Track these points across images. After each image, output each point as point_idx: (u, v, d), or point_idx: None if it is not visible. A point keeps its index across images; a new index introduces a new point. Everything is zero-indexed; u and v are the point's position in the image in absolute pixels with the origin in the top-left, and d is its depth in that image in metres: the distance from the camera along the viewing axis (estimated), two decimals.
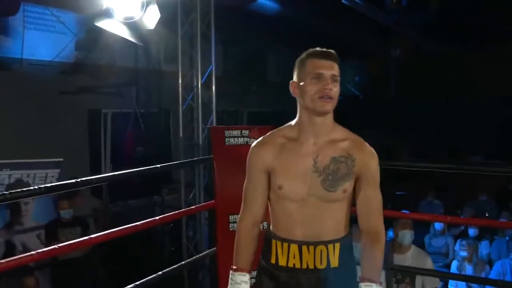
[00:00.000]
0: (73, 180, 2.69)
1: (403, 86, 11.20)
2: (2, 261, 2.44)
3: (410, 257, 3.95)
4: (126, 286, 3.05)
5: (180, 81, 5.72)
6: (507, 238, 6.46)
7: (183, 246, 5.82)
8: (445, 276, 5.39)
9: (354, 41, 9.11)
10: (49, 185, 2.65)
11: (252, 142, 2.29)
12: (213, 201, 3.99)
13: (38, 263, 4.80)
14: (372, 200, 2.17)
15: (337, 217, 2.15)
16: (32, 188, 2.53)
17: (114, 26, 4.55)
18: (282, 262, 2.15)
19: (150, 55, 7.51)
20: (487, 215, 7.62)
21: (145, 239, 5.76)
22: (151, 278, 3.29)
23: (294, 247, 2.13)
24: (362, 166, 2.12)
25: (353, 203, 2.19)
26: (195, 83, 5.71)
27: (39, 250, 2.59)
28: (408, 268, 3.81)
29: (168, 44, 6.57)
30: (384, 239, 2.20)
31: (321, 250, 2.11)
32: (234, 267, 2.23)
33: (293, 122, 2.20)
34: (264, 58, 10.01)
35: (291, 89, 2.16)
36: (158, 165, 3.47)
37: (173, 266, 3.63)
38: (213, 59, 5.75)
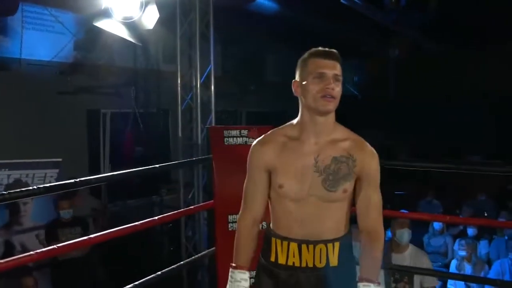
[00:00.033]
0: (72, 180, 2.69)
1: (402, 86, 11.21)
2: (1, 261, 2.44)
3: (408, 256, 3.95)
4: (125, 286, 3.05)
5: (179, 81, 5.72)
6: (506, 237, 6.45)
7: (182, 246, 5.82)
8: (444, 275, 5.39)
9: (353, 41, 9.12)
10: (48, 185, 2.65)
11: (251, 142, 2.30)
12: (212, 201, 3.99)
13: (37, 263, 4.80)
14: (372, 200, 2.18)
15: (337, 217, 2.16)
16: (31, 188, 2.53)
17: (113, 26, 4.54)
18: (281, 260, 2.16)
19: (149, 55, 7.50)
20: (486, 214, 7.62)
21: (144, 239, 5.75)
22: (150, 278, 3.29)
23: (293, 246, 2.14)
24: (363, 167, 2.13)
25: (353, 203, 2.20)
26: (194, 83, 5.71)
27: (38, 250, 2.59)
28: (407, 267, 3.81)
29: (167, 44, 6.56)
30: (383, 239, 2.22)
31: (320, 249, 2.12)
32: (234, 264, 2.24)
33: (294, 121, 2.20)
34: (263, 58, 10.01)
35: (293, 88, 2.17)
36: (157, 165, 3.47)
37: (172, 266, 3.63)
38: (212, 59, 5.75)
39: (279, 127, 2.25)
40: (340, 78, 2.08)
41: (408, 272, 3.78)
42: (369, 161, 2.15)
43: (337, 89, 2.07)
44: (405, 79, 11.14)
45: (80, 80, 6.59)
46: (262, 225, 2.31)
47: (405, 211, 4.64)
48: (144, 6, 4.51)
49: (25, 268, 4.46)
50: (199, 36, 5.63)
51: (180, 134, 5.77)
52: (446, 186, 8.48)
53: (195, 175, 5.74)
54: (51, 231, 5.06)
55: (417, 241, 6.04)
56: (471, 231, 6.53)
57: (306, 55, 2.14)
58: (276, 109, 8.86)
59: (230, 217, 3.86)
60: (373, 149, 2.18)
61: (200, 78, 5.70)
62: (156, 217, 3.54)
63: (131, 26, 4.58)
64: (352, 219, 2.22)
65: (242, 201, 2.28)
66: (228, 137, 3.93)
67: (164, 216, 3.90)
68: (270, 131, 2.26)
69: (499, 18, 8.57)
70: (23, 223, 5.16)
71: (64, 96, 6.38)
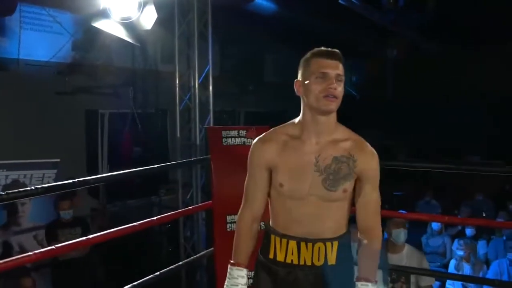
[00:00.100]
0: (70, 181, 2.68)
1: (401, 87, 11.21)
2: (0, 262, 2.44)
3: (405, 256, 3.95)
4: (124, 286, 3.05)
5: (177, 81, 5.71)
6: (504, 238, 6.46)
7: (181, 247, 5.82)
8: (442, 275, 5.40)
9: (351, 41, 9.12)
10: (46, 185, 2.65)
11: (250, 142, 2.31)
12: (211, 201, 3.99)
13: (37, 264, 4.80)
14: (371, 201, 2.19)
15: (337, 216, 2.17)
16: (29, 188, 2.53)
17: (111, 26, 4.54)
18: (280, 257, 2.18)
19: (147, 55, 7.50)
20: (484, 215, 7.63)
21: (142, 239, 5.75)
22: (149, 278, 3.29)
23: (292, 243, 2.15)
24: (363, 167, 2.14)
25: (352, 203, 2.21)
26: (192, 83, 5.71)
27: (36, 251, 2.58)
28: (404, 268, 3.81)
29: (165, 44, 6.55)
30: (381, 239, 2.25)
31: (319, 247, 2.14)
32: (232, 261, 2.25)
33: (296, 120, 2.21)
34: (261, 58, 10.01)
35: (295, 87, 2.18)
36: (155, 165, 3.47)
37: (171, 267, 3.63)
38: (210, 59, 5.76)
39: (281, 126, 2.25)
40: (343, 78, 2.10)
41: (404, 272, 3.78)
42: (369, 161, 2.17)
43: (339, 89, 2.08)
44: (403, 80, 11.15)
45: (78, 80, 6.58)
46: (261, 225, 2.31)
47: (403, 211, 4.63)
48: (142, 6, 4.51)
49: (23, 268, 4.45)
50: (198, 36, 5.63)
51: (178, 135, 5.77)
52: (444, 186, 8.49)
53: (194, 176, 5.74)
54: (51, 232, 5.05)
55: (415, 242, 6.06)
56: (469, 232, 6.54)
57: (308, 55, 2.15)
58: (275, 109, 8.87)
59: (229, 218, 3.86)
60: (373, 149, 2.19)
61: (199, 78, 5.70)
62: (154, 218, 3.55)
63: (129, 26, 4.57)
64: (351, 219, 2.24)
65: (243, 198, 2.29)
66: (227, 137, 3.93)
67: (163, 216, 3.91)
68: (271, 129, 2.27)
69: (497, 18, 8.57)
70: (21, 224, 5.15)
71: (62, 96, 6.37)
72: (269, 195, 2.24)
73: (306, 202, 2.12)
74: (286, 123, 2.25)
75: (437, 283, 5.48)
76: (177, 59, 5.68)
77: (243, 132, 3.94)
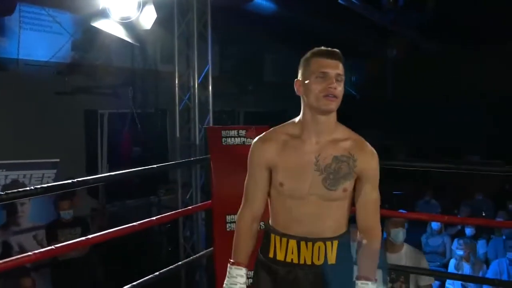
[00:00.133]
0: (70, 181, 2.68)
1: (401, 86, 11.21)
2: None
3: (404, 256, 3.94)
4: (124, 286, 3.05)
5: (176, 81, 5.71)
6: (504, 237, 6.47)
7: (180, 247, 5.82)
8: (442, 275, 5.40)
9: (351, 41, 9.11)
10: (45, 185, 2.65)
11: (249, 142, 2.31)
12: (210, 201, 3.99)
13: (37, 264, 4.79)
14: (371, 200, 2.20)
15: (337, 215, 2.18)
16: (28, 188, 2.53)
17: (111, 26, 4.54)
18: (280, 256, 2.18)
19: (146, 55, 7.50)
20: (483, 214, 7.63)
21: (142, 239, 5.75)
22: (148, 279, 3.29)
23: (292, 243, 2.16)
24: (363, 166, 2.15)
25: (352, 202, 2.22)
26: (191, 83, 5.71)
27: (36, 251, 2.58)
28: (404, 267, 3.81)
29: (165, 44, 6.55)
30: (380, 238, 2.26)
31: (319, 247, 2.14)
32: (232, 260, 2.26)
33: (296, 120, 2.22)
34: (260, 58, 10.00)
35: (295, 87, 2.18)
36: (155, 165, 3.47)
37: (170, 267, 3.63)
38: (209, 59, 5.75)
39: (280, 125, 2.26)
40: (343, 77, 2.10)
41: (404, 272, 3.78)
42: (369, 161, 2.17)
43: (339, 89, 2.09)
44: (403, 79, 11.15)
45: (78, 80, 6.58)
46: (261, 225, 2.31)
47: (403, 211, 4.63)
48: (141, 6, 4.51)
49: (23, 268, 4.45)
50: (197, 36, 5.63)
51: (178, 134, 5.77)
52: (444, 186, 8.49)
53: (193, 175, 5.74)
54: (51, 232, 5.06)
55: (415, 241, 6.06)
56: (469, 231, 6.54)
57: (308, 54, 2.15)
58: (274, 109, 8.88)
59: (228, 217, 3.86)
60: (373, 149, 2.20)
61: (198, 78, 5.70)
62: (154, 218, 3.55)
63: (129, 26, 4.57)
64: (350, 219, 2.24)
65: (243, 198, 2.29)
66: (226, 137, 3.93)
67: (162, 216, 3.90)
68: (271, 129, 2.27)
69: (497, 18, 8.57)
70: (21, 224, 5.14)
71: (62, 96, 6.37)
72: (269, 194, 2.24)
73: (306, 202, 2.13)
74: (286, 122, 2.25)
75: (437, 282, 5.48)
76: (177, 59, 5.68)
77: (242, 132, 3.94)
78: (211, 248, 3.98)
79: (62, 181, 2.82)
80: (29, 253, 2.54)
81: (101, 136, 7.25)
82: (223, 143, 3.92)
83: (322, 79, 2.07)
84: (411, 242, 4.21)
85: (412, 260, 3.90)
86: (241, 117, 9.71)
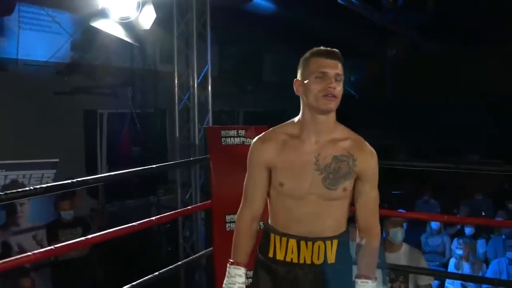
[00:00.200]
0: (69, 181, 2.68)
1: (400, 86, 11.20)
2: None
3: (402, 255, 3.94)
4: (124, 286, 3.05)
5: (176, 81, 5.71)
6: (503, 237, 6.47)
7: (180, 246, 5.82)
8: (441, 275, 5.40)
9: (351, 41, 9.11)
10: (44, 185, 2.64)
11: (249, 142, 2.31)
12: (210, 201, 3.99)
13: (36, 264, 4.79)
14: (370, 200, 2.21)
15: (337, 215, 2.19)
16: (27, 188, 2.53)
17: (110, 26, 4.54)
18: (280, 256, 2.19)
19: (146, 55, 7.49)
20: (483, 214, 7.63)
21: (142, 239, 5.74)
22: (147, 278, 3.29)
23: (292, 242, 2.16)
24: (362, 166, 2.16)
25: (352, 202, 2.23)
26: (191, 83, 5.71)
27: (35, 251, 2.58)
28: (403, 267, 3.81)
29: (164, 44, 6.55)
30: (379, 236, 2.28)
31: (319, 246, 2.15)
32: (231, 260, 2.26)
33: (295, 119, 2.22)
34: (260, 58, 10.00)
35: (294, 87, 2.19)
36: (154, 165, 3.47)
37: (170, 266, 3.63)
38: (209, 59, 5.76)
39: (280, 125, 2.26)
40: (342, 77, 2.11)
41: (403, 271, 3.78)
42: (369, 160, 2.18)
43: (339, 88, 2.09)
44: (403, 79, 11.14)
45: (77, 80, 6.57)
46: (260, 225, 2.32)
47: (402, 210, 4.63)
48: (141, 6, 4.51)
49: (22, 269, 4.44)
50: (196, 36, 5.63)
51: (177, 134, 5.77)
52: (443, 185, 8.48)
53: (193, 175, 5.74)
54: (51, 232, 5.05)
55: (414, 241, 6.06)
56: (468, 231, 6.54)
57: (308, 54, 2.16)
58: (274, 109, 8.87)
59: (228, 217, 3.86)
60: (372, 148, 2.21)
61: (197, 78, 5.70)
62: (153, 218, 3.54)
63: (128, 26, 4.57)
64: (349, 219, 2.25)
65: (242, 198, 2.29)
66: (226, 137, 3.93)
67: (162, 216, 3.90)
68: (270, 129, 2.27)
69: (497, 18, 8.56)
70: (20, 224, 5.13)
71: (61, 96, 6.36)
72: (268, 194, 2.25)
73: (306, 201, 2.13)
74: (285, 122, 2.26)
75: (436, 282, 5.48)
76: (176, 59, 5.68)
77: (242, 132, 3.94)
78: (211, 248, 3.98)
79: (61, 181, 2.82)
80: (29, 253, 2.54)
81: (100, 136, 7.25)
82: (223, 143, 3.92)
83: (321, 79, 2.07)
84: (411, 241, 4.22)
85: (411, 260, 3.90)
86: (240, 117, 9.71)
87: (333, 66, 2.09)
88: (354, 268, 2.26)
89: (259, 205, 2.26)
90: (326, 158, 2.13)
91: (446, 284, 5.64)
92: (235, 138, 3.93)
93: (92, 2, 4.45)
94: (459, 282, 5.51)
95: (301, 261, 2.16)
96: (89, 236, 3.07)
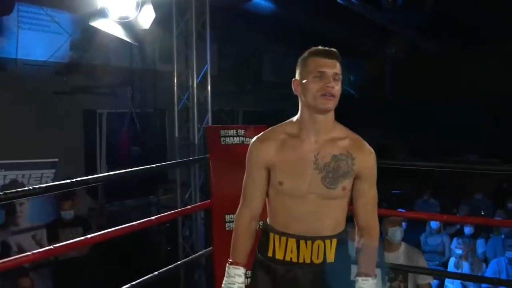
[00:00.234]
0: (69, 181, 2.68)
1: (400, 86, 11.19)
2: None
3: (402, 255, 3.94)
4: (123, 285, 3.05)
5: (175, 81, 5.70)
6: (503, 236, 6.47)
7: (179, 246, 5.81)
8: (440, 274, 5.40)
9: (350, 41, 9.11)
10: (44, 185, 2.64)
11: (248, 142, 2.31)
12: (209, 200, 3.98)
13: (35, 264, 4.79)
14: (369, 199, 2.22)
15: (336, 214, 2.19)
16: (27, 188, 2.52)
17: (109, 26, 4.54)
18: (279, 255, 2.19)
19: (145, 55, 7.49)
20: (482, 213, 7.64)
21: (141, 239, 5.75)
22: (147, 278, 3.29)
23: (291, 241, 2.16)
24: (361, 165, 2.17)
25: (350, 201, 2.23)
26: (190, 83, 5.70)
27: (34, 251, 2.58)
28: (402, 266, 3.80)
29: (163, 44, 6.55)
30: (378, 235, 2.29)
31: (318, 245, 2.15)
32: (230, 260, 2.27)
33: (294, 119, 2.23)
34: (259, 58, 10.00)
35: (293, 87, 2.19)
36: (154, 165, 3.47)
37: (170, 266, 3.63)
38: (208, 58, 5.75)
39: (279, 125, 2.27)
40: (340, 77, 2.11)
41: (402, 271, 3.77)
42: (367, 159, 2.19)
43: (337, 88, 2.09)
44: (402, 79, 11.13)
45: (76, 80, 6.57)
46: (259, 225, 2.31)
47: (402, 210, 4.63)
48: (140, 5, 4.51)
49: (21, 268, 4.44)
50: (196, 35, 5.62)
51: (176, 134, 5.76)
52: (443, 185, 8.49)
53: (192, 175, 5.73)
54: (52, 231, 5.06)
55: (414, 240, 6.06)
56: (468, 230, 6.54)
57: (306, 54, 2.16)
58: (273, 108, 8.87)
59: (227, 217, 3.86)
60: (371, 148, 2.22)
61: (197, 78, 5.69)
62: (153, 217, 3.54)
63: (127, 25, 4.57)
64: (348, 218, 2.26)
65: (241, 197, 2.30)
66: (225, 136, 3.92)
67: (161, 216, 3.90)
68: (269, 128, 2.27)
69: (496, 17, 8.56)
70: (20, 224, 5.13)
71: (60, 96, 6.36)
72: (267, 194, 2.25)
73: (305, 200, 2.14)
74: (284, 122, 2.26)
75: (436, 281, 5.48)
76: (175, 58, 5.67)
77: (241, 131, 3.94)
78: (210, 248, 3.98)
79: (61, 181, 2.82)
80: (28, 253, 2.53)
81: (100, 135, 7.25)
82: (222, 143, 3.92)
83: (320, 78, 2.08)
84: (411, 241, 4.21)
85: (410, 259, 3.89)
86: (240, 117, 9.70)
87: (331, 66, 2.09)
88: (353, 267, 2.26)
89: (258, 205, 2.26)
90: (325, 157, 2.13)
91: (446, 284, 5.65)
92: (235, 138, 3.92)
93: (91, 1, 4.45)
94: (458, 281, 5.52)
95: (301, 260, 2.16)
96: (89, 236, 3.07)
